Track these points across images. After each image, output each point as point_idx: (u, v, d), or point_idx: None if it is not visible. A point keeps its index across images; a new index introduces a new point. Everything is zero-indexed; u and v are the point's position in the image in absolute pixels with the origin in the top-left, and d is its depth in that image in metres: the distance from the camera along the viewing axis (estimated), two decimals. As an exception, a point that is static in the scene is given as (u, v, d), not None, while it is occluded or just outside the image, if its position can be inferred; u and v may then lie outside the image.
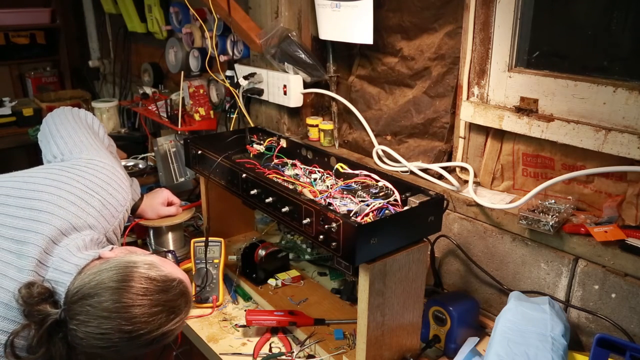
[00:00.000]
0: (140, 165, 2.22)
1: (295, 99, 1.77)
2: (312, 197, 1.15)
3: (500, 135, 1.34)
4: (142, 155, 2.32)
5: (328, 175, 1.33)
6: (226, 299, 1.45)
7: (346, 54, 1.74)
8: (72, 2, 3.55)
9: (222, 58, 2.01)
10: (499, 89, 1.33)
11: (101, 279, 0.97)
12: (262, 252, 1.48)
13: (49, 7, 3.45)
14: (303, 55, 1.69)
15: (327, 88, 1.77)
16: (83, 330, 0.94)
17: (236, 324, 1.34)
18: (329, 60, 1.75)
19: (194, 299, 1.35)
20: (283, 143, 1.55)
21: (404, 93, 1.59)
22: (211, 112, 2.13)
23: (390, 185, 1.19)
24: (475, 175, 1.42)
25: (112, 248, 1.12)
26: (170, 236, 1.63)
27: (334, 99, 1.76)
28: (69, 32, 3.58)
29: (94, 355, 0.98)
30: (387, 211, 1.10)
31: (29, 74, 3.54)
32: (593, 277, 1.15)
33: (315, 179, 1.32)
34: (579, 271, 1.17)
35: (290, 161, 1.45)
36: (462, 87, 1.39)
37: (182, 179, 2.11)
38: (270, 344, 1.28)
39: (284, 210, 1.15)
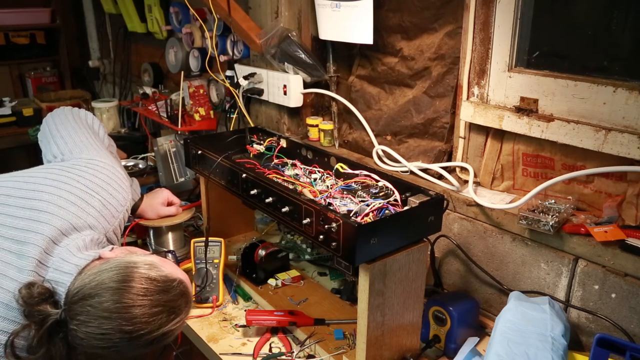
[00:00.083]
0: (140, 165, 2.22)
1: (295, 99, 1.77)
2: (312, 197, 1.15)
3: (500, 135, 1.34)
4: (142, 155, 2.32)
5: (328, 175, 1.33)
6: (226, 299, 1.45)
7: (346, 54, 1.74)
8: (72, 2, 3.55)
9: (222, 58, 2.01)
10: (499, 89, 1.33)
11: (101, 279, 0.97)
12: (262, 252, 1.48)
13: (49, 7, 3.45)
14: (303, 55, 1.69)
15: (327, 88, 1.77)
16: (83, 331, 0.94)
17: (236, 324, 1.34)
18: (329, 60, 1.75)
19: (194, 299, 1.35)
20: (283, 143, 1.55)
21: (404, 93, 1.59)
22: (211, 112, 2.13)
23: (390, 185, 1.19)
24: (475, 175, 1.42)
25: (112, 248, 1.12)
26: (170, 236, 1.63)
27: (334, 99, 1.76)
28: (69, 32, 3.58)
29: (94, 355, 0.98)
30: (387, 211, 1.10)
31: (29, 74, 3.54)
32: (593, 277, 1.15)
33: (315, 179, 1.32)
34: (579, 271, 1.17)
35: (290, 161, 1.45)
36: (462, 87, 1.39)
37: (182, 179, 2.11)
38: (270, 344, 1.28)
39: (284, 210, 1.15)
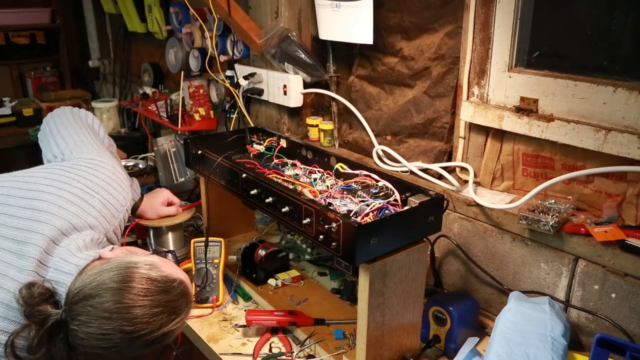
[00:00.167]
0: (140, 165, 2.22)
1: (295, 99, 1.77)
2: (312, 197, 1.15)
3: (500, 135, 1.34)
4: (142, 155, 2.32)
5: (328, 175, 1.33)
6: (226, 299, 1.45)
7: (346, 54, 1.74)
8: (72, 2, 3.55)
9: (222, 58, 2.01)
10: (499, 89, 1.33)
11: (102, 279, 0.97)
12: (262, 252, 1.48)
13: (49, 7, 3.45)
14: (303, 55, 1.69)
15: (327, 88, 1.77)
16: (84, 331, 0.94)
17: (236, 324, 1.34)
18: (329, 60, 1.75)
19: (194, 299, 1.35)
20: (283, 143, 1.55)
21: (404, 93, 1.59)
22: (211, 112, 2.13)
23: (390, 185, 1.19)
24: (475, 175, 1.42)
25: (113, 248, 1.12)
26: (170, 236, 1.63)
27: (334, 99, 1.76)
28: (69, 32, 3.58)
29: (95, 355, 0.98)
30: (387, 211, 1.10)
31: (29, 74, 3.53)
32: (593, 277, 1.15)
33: (315, 179, 1.32)
34: (579, 271, 1.17)
35: (290, 161, 1.45)
36: (462, 87, 1.39)
37: (182, 179, 2.11)
38: (270, 344, 1.28)
39: (284, 210, 1.15)
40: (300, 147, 1.49)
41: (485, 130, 1.38)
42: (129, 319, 0.94)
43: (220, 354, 1.25)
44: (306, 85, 1.77)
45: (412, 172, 1.52)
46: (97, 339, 0.94)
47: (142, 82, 2.81)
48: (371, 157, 1.65)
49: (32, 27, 3.45)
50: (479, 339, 1.25)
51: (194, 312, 1.37)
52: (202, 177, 1.57)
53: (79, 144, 1.30)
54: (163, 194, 1.61)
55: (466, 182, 1.42)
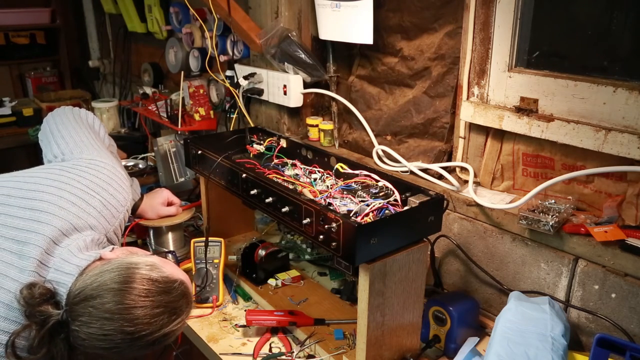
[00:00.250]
0: (140, 165, 2.22)
1: (295, 99, 1.77)
2: (312, 197, 1.15)
3: (500, 135, 1.34)
4: (142, 155, 2.32)
5: (328, 175, 1.34)
6: (226, 299, 1.45)
7: (346, 54, 1.74)
8: (72, 2, 3.55)
9: (222, 58, 2.01)
10: (499, 89, 1.33)
11: (103, 280, 0.97)
12: (262, 252, 1.48)
13: (49, 7, 3.45)
14: (303, 55, 1.69)
15: (327, 88, 1.77)
16: (85, 332, 0.94)
17: (236, 324, 1.34)
18: (329, 60, 1.75)
19: (194, 299, 1.35)
20: (283, 143, 1.55)
21: (404, 93, 1.59)
22: (211, 112, 2.13)
23: (390, 185, 1.19)
24: (475, 175, 1.42)
25: (113, 248, 1.12)
26: (170, 236, 1.63)
27: (334, 99, 1.76)
28: (69, 32, 3.58)
29: (95, 355, 0.98)
30: (387, 211, 1.10)
31: (29, 74, 3.53)
32: (593, 277, 1.15)
33: (315, 179, 1.32)
34: (579, 271, 1.17)
35: (290, 161, 1.45)
36: (462, 87, 1.39)
37: (182, 179, 2.11)
38: (270, 344, 1.28)
39: (284, 210, 1.15)
40: (300, 147, 1.49)
41: (485, 130, 1.38)
42: (130, 320, 0.94)
43: (220, 354, 1.25)
44: (306, 85, 1.77)
45: (412, 172, 1.52)
46: (98, 339, 0.94)
47: (142, 82, 2.81)
48: (371, 157, 1.65)
49: (32, 27, 3.45)
50: (479, 339, 1.25)
51: (194, 312, 1.37)
52: (202, 177, 1.57)
53: (79, 144, 1.30)
54: (163, 194, 1.61)
55: (466, 182, 1.42)
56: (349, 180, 1.27)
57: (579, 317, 1.20)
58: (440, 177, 1.47)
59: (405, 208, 1.11)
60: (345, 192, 1.22)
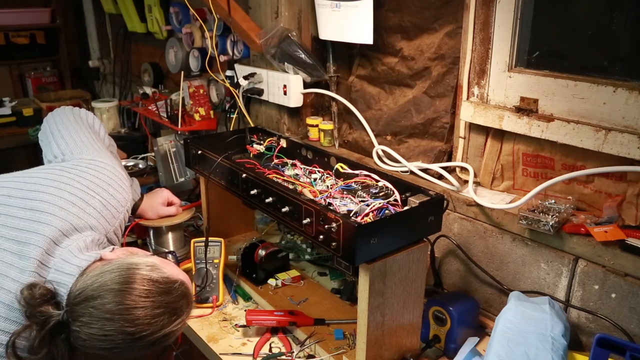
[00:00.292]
0: (140, 165, 2.22)
1: (295, 99, 1.77)
2: (312, 197, 1.15)
3: (500, 135, 1.34)
4: (142, 155, 2.32)
5: (328, 175, 1.34)
6: (226, 299, 1.45)
7: (346, 54, 1.74)
8: (72, 2, 3.55)
9: (222, 58, 2.01)
10: (499, 89, 1.33)
11: (103, 281, 0.97)
12: (262, 252, 1.48)
13: (49, 7, 3.45)
14: (303, 55, 1.69)
15: (327, 88, 1.77)
16: (86, 332, 0.94)
17: (236, 324, 1.34)
18: (329, 60, 1.75)
19: (194, 299, 1.35)
20: (283, 143, 1.55)
21: (404, 93, 1.59)
22: (211, 112, 2.13)
23: (390, 185, 1.19)
24: (475, 175, 1.42)
25: (113, 249, 1.12)
26: (170, 236, 1.63)
27: (334, 99, 1.76)
28: (69, 32, 3.58)
29: (96, 356, 0.98)
30: (387, 211, 1.10)
31: (29, 74, 3.53)
32: (593, 277, 1.15)
33: (315, 179, 1.32)
34: (579, 271, 1.17)
35: (290, 161, 1.45)
36: (462, 87, 1.39)
37: (182, 179, 2.11)
38: (270, 344, 1.28)
39: (284, 210, 1.15)
40: (300, 147, 1.50)
41: (485, 130, 1.38)
42: (130, 320, 0.94)
43: (220, 354, 1.25)
44: (306, 85, 1.77)
45: (412, 172, 1.52)
46: (99, 340, 0.94)
47: (142, 82, 2.81)
48: (371, 157, 1.65)
49: (32, 27, 3.45)
50: (479, 339, 1.25)
51: (194, 312, 1.37)
52: (202, 177, 1.57)
53: (80, 144, 1.30)
54: (163, 194, 1.61)
55: (466, 182, 1.42)
56: (349, 180, 1.27)
57: (579, 317, 1.20)
58: (440, 177, 1.47)
59: (405, 208, 1.11)
60: (345, 192, 1.22)
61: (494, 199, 1.33)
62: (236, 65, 1.98)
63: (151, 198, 1.59)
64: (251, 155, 1.52)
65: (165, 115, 2.16)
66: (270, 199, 1.20)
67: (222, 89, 2.08)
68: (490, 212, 1.32)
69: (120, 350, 0.96)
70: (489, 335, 1.17)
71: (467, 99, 1.39)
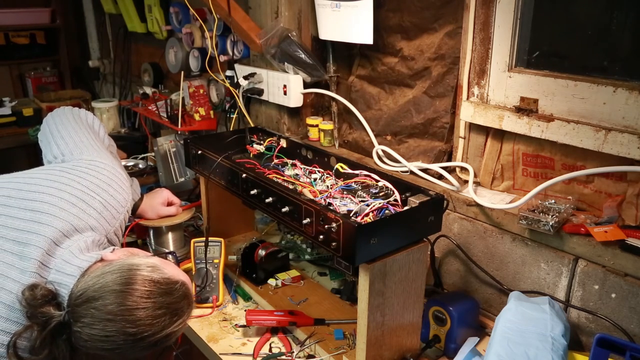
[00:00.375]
0: (140, 165, 2.22)
1: (295, 99, 1.77)
2: (312, 197, 1.15)
3: (500, 135, 1.34)
4: (142, 155, 2.32)
5: (328, 175, 1.34)
6: (226, 299, 1.45)
7: (346, 54, 1.74)
8: (72, 2, 3.55)
9: (222, 58, 2.01)
10: (499, 89, 1.33)
11: (105, 282, 0.97)
12: (262, 252, 1.48)
13: (49, 7, 3.45)
14: (303, 55, 1.69)
15: (327, 88, 1.77)
16: (87, 333, 0.95)
17: (236, 324, 1.34)
18: (329, 60, 1.75)
19: (194, 299, 1.35)
20: (283, 143, 1.55)
21: (404, 93, 1.59)
22: (211, 112, 2.13)
23: (390, 185, 1.19)
24: (475, 175, 1.42)
25: (114, 249, 1.12)
26: (170, 236, 1.63)
27: (334, 99, 1.76)
28: (69, 32, 3.58)
29: (97, 356, 0.98)
30: (387, 211, 1.10)
31: (29, 74, 3.53)
32: (593, 277, 1.15)
33: (315, 179, 1.32)
34: (579, 271, 1.17)
35: (290, 161, 1.45)
36: (462, 87, 1.39)
37: (182, 179, 2.11)
38: (270, 344, 1.28)
39: (284, 210, 1.15)
40: (300, 147, 1.50)
41: (485, 130, 1.38)
42: (132, 321, 0.95)
43: (220, 354, 1.25)
44: (306, 85, 1.77)
45: (412, 172, 1.52)
46: (100, 340, 0.95)
47: (142, 82, 2.81)
48: (371, 157, 1.65)
49: (32, 27, 3.45)
50: (479, 339, 1.25)
51: (194, 312, 1.36)
52: (202, 177, 1.57)
53: (79, 145, 1.30)
54: (163, 194, 1.61)
55: (466, 182, 1.42)
56: (349, 180, 1.27)
57: (579, 317, 1.20)
58: (440, 177, 1.47)
59: (405, 208, 1.11)
60: (345, 192, 1.22)
61: (494, 199, 1.33)
62: (236, 65, 1.98)
63: (151, 198, 1.59)
64: (251, 155, 1.52)
65: (165, 115, 2.16)
66: (270, 199, 1.20)
67: (222, 89, 2.08)
68: (490, 212, 1.32)
69: (121, 351, 0.97)
70: (489, 335, 1.17)
71: (467, 99, 1.39)
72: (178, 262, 1.47)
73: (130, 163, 2.22)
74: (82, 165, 1.22)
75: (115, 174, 1.25)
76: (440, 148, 1.50)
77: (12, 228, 1.04)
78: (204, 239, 1.43)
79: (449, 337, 1.22)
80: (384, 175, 1.24)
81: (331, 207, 1.09)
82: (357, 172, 1.29)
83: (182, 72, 2.12)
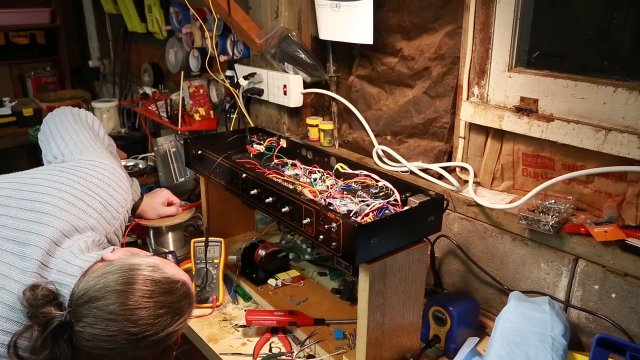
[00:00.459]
0: (140, 165, 2.21)
1: (295, 99, 1.77)
2: (312, 197, 1.15)
3: (500, 135, 1.34)
4: (142, 155, 2.32)
5: (328, 175, 1.34)
6: (226, 299, 1.45)
7: (346, 54, 1.74)
8: (72, 2, 3.55)
9: (222, 58, 2.01)
10: (499, 89, 1.33)
11: (106, 282, 0.97)
12: (262, 252, 1.48)
13: (49, 7, 3.45)
14: (303, 55, 1.69)
15: (327, 88, 1.77)
16: (90, 333, 0.95)
17: (236, 324, 1.34)
18: (329, 60, 1.75)
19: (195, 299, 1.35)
20: (283, 143, 1.55)
21: (404, 93, 1.59)
22: (211, 112, 2.13)
23: (390, 185, 1.19)
24: (475, 175, 1.42)
25: (114, 249, 1.12)
26: (170, 236, 1.63)
27: (334, 99, 1.76)
28: (69, 32, 3.58)
29: (98, 356, 0.99)
30: (387, 211, 1.10)
31: (29, 74, 3.53)
32: (593, 277, 1.15)
33: (315, 179, 1.32)
34: (579, 271, 1.17)
35: (290, 161, 1.45)
36: (462, 87, 1.39)
37: (182, 179, 2.11)
38: (270, 344, 1.28)
39: (284, 210, 1.15)
40: (300, 147, 1.50)
41: (485, 130, 1.38)
42: (134, 321, 0.95)
43: (220, 354, 1.25)
44: (306, 85, 1.77)
45: (412, 172, 1.52)
46: (102, 340, 0.95)
47: (142, 82, 2.81)
48: (371, 157, 1.65)
49: (32, 27, 3.45)
50: (479, 339, 1.25)
51: (194, 312, 1.36)
52: (202, 177, 1.57)
53: (79, 145, 1.30)
54: (163, 194, 1.61)
55: (466, 182, 1.42)
56: (349, 180, 1.27)
57: (579, 317, 1.20)
58: (440, 177, 1.47)
59: (405, 208, 1.11)
60: (345, 192, 1.22)
61: (494, 199, 1.33)
62: (236, 65, 1.98)
63: (151, 198, 1.59)
64: (251, 155, 1.52)
65: (165, 115, 2.15)
66: (270, 199, 1.20)
67: (222, 89, 2.08)
68: (490, 212, 1.32)
69: (123, 350, 0.97)
70: (489, 335, 1.17)
71: (467, 99, 1.39)
72: (178, 262, 1.47)
73: (130, 163, 2.22)
74: (82, 166, 1.22)
75: (115, 174, 1.25)
76: (440, 148, 1.50)
77: (12, 228, 1.04)
78: (204, 239, 1.43)
79: (449, 337, 1.22)
80: (384, 175, 1.24)
81: (331, 207, 1.09)
82: (357, 172, 1.29)
83: (182, 72, 2.12)
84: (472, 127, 1.40)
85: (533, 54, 1.29)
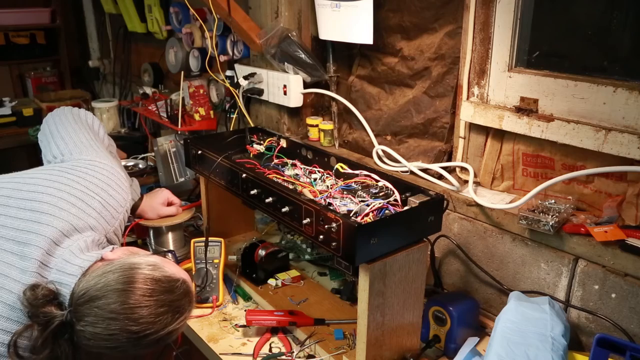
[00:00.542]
0: (140, 165, 2.21)
1: (295, 99, 1.77)
2: (312, 197, 1.15)
3: (500, 135, 1.34)
4: (142, 155, 2.32)
5: (328, 175, 1.34)
6: (226, 299, 1.45)
7: (346, 54, 1.74)
8: (72, 2, 3.55)
9: (222, 58, 2.01)
10: (499, 89, 1.33)
11: (107, 281, 0.97)
12: (262, 252, 1.48)
13: (49, 7, 3.45)
14: (303, 55, 1.69)
15: (327, 88, 1.77)
16: (91, 332, 0.95)
17: (236, 324, 1.34)
18: (329, 60, 1.75)
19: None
20: (283, 143, 1.55)
21: (404, 93, 1.59)
22: (211, 112, 2.13)
23: (390, 185, 1.19)
24: (475, 175, 1.42)
25: (114, 249, 1.12)
26: (170, 236, 1.63)
27: (334, 99, 1.76)
28: (69, 32, 3.58)
29: (98, 355, 0.99)
30: (387, 211, 1.10)
31: (29, 74, 3.53)
32: (593, 277, 1.15)
33: (315, 179, 1.32)
34: (579, 271, 1.17)
35: (290, 161, 1.45)
36: (462, 87, 1.39)
37: (182, 179, 2.11)
38: (270, 344, 1.28)
39: (284, 210, 1.15)
40: (300, 147, 1.50)
41: (485, 130, 1.38)
42: (134, 320, 0.95)
43: (220, 354, 1.25)
44: (306, 85, 1.77)
45: (412, 172, 1.52)
46: (103, 339, 0.95)
47: (142, 82, 2.81)
48: (371, 157, 1.65)
49: (32, 27, 3.45)
50: (479, 339, 1.25)
51: (194, 312, 1.36)
52: (202, 177, 1.57)
53: (79, 145, 1.30)
54: (163, 194, 1.61)
55: (466, 182, 1.42)
56: (349, 180, 1.27)
57: (579, 317, 1.20)
58: (440, 177, 1.47)
59: (405, 208, 1.11)
60: (345, 192, 1.22)
61: (494, 199, 1.33)
62: (236, 65, 1.98)
63: (151, 198, 1.59)
64: (251, 155, 1.52)
65: (165, 115, 2.16)
66: (270, 199, 1.20)
67: (222, 89, 2.08)
68: (490, 212, 1.32)
69: (124, 349, 0.97)
70: (489, 335, 1.17)
71: (467, 99, 1.39)
72: (177, 261, 1.47)
73: (130, 163, 2.22)
74: (81, 165, 1.22)
75: (115, 174, 1.25)
76: (440, 148, 1.50)
77: (12, 228, 1.04)
78: (204, 239, 1.43)
79: (449, 337, 1.22)
80: (384, 175, 1.24)
81: (331, 207, 1.09)
82: (357, 172, 1.29)
83: (182, 72, 2.12)
84: (472, 127, 1.40)
85: (533, 54, 1.29)
